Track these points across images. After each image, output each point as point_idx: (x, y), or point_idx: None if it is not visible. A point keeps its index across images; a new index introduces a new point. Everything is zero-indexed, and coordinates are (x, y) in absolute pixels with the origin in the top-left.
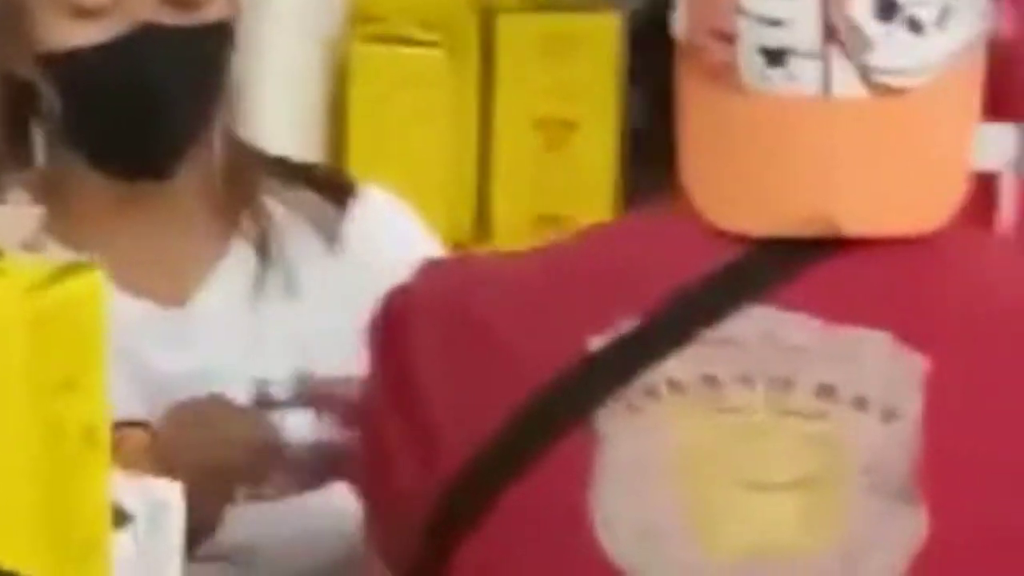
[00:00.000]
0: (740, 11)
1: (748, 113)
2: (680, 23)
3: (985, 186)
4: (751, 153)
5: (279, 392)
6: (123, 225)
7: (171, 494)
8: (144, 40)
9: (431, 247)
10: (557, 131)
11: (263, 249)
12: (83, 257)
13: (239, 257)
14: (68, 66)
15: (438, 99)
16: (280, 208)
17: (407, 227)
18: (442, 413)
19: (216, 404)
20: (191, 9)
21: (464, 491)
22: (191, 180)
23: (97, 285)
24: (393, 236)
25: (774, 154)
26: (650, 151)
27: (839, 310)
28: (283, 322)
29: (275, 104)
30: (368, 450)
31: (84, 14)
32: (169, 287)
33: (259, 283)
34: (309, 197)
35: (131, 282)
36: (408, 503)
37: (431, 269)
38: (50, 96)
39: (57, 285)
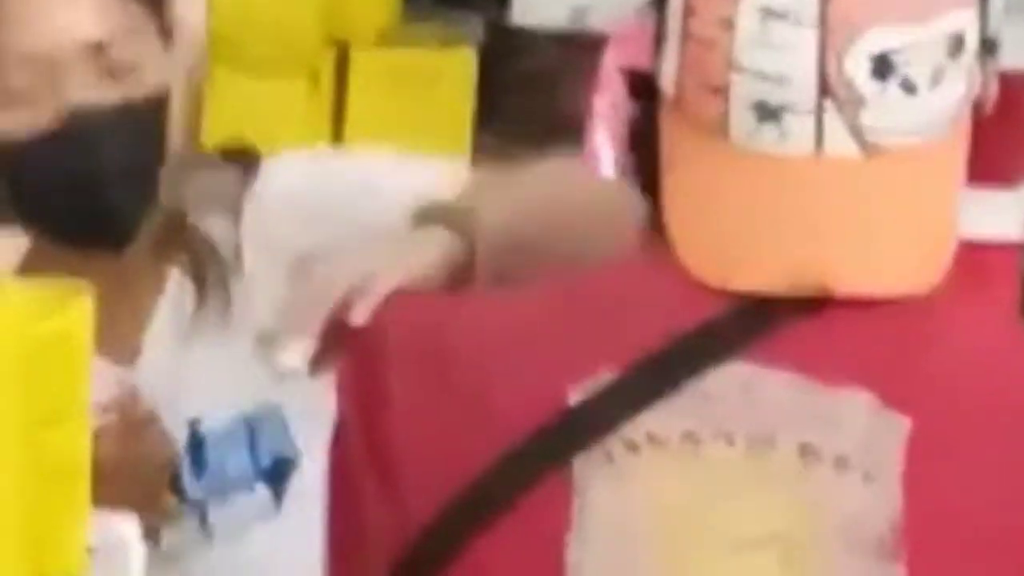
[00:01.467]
0: (734, 66)
1: (737, 169)
2: (667, 76)
3: None
4: (740, 210)
5: (212, 428)
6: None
7: (129, 531)
8: (82, 122)
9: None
10: None
11: (198, 277)
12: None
13: (175, 291)
14: (6, 153)
15: (292, 130)
16: (213, 218)
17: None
18: (415, 457)
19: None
20: (126, 79)
21: (436, 537)
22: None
23: (87, 315)
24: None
25: (764, 211)
26: None
27: (822, 368)
28: (222, 350)
29: None
30: (336, 490)
31: (15, 99)
32: (121, 342)
33: (198, 314)
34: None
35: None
36: (376, 546)
37: (406, 306)
38: None
39: (51, 315)
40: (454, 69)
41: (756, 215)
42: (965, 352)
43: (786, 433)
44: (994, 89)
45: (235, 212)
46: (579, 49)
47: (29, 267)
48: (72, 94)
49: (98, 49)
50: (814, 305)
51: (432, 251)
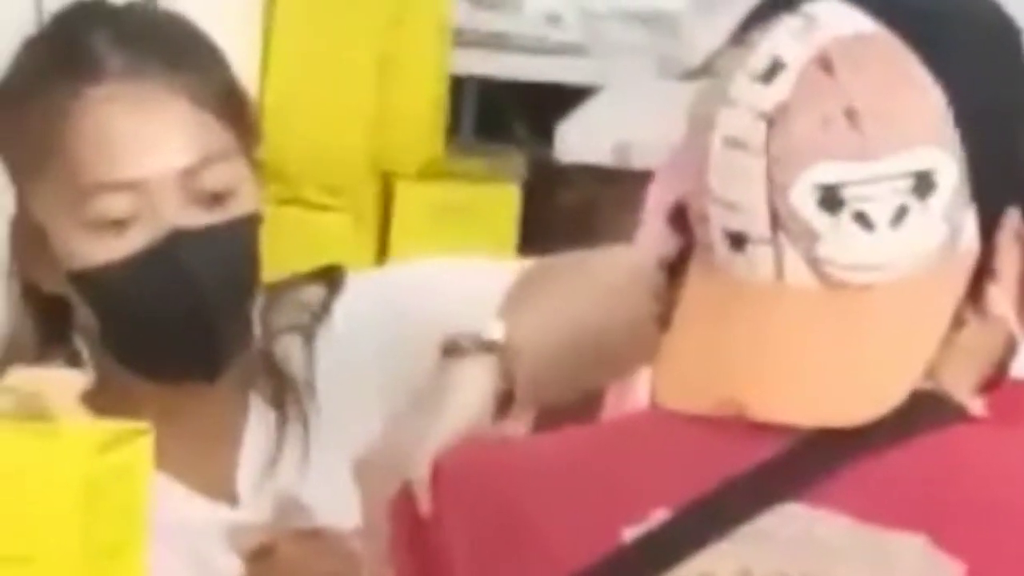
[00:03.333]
0: (709, 194)
1: (714, 294)
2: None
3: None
4: (703, 333)
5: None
6: (171, 424)
7: None
8: (176, 247)
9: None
10: None
11: (277, 404)
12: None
13: (259, 421)
14: (100, 282)
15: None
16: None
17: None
18: None
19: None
20: (218, 204)
21: None
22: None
23: (146, 453)
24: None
25: (719, 334)
26: None
27: (875, 509)
28: (302, 478)
29: None
30: None
31: (108, 227)
32: (219, 482)
33: (278, 442)
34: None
35: (188, 479)
36: None
37: (461, 449)
38: (85, 313)
39: (112, 451)
40: (498, 204)
41: (712, 339)
42: (1015, 493)
43: (840, 575)
44: None
45: (309, 335)
46: (622, 184)
47: (105, 400)
48: (168, 219)
49: (191, 174)
50: (865, 444)
51: (472, 395)
